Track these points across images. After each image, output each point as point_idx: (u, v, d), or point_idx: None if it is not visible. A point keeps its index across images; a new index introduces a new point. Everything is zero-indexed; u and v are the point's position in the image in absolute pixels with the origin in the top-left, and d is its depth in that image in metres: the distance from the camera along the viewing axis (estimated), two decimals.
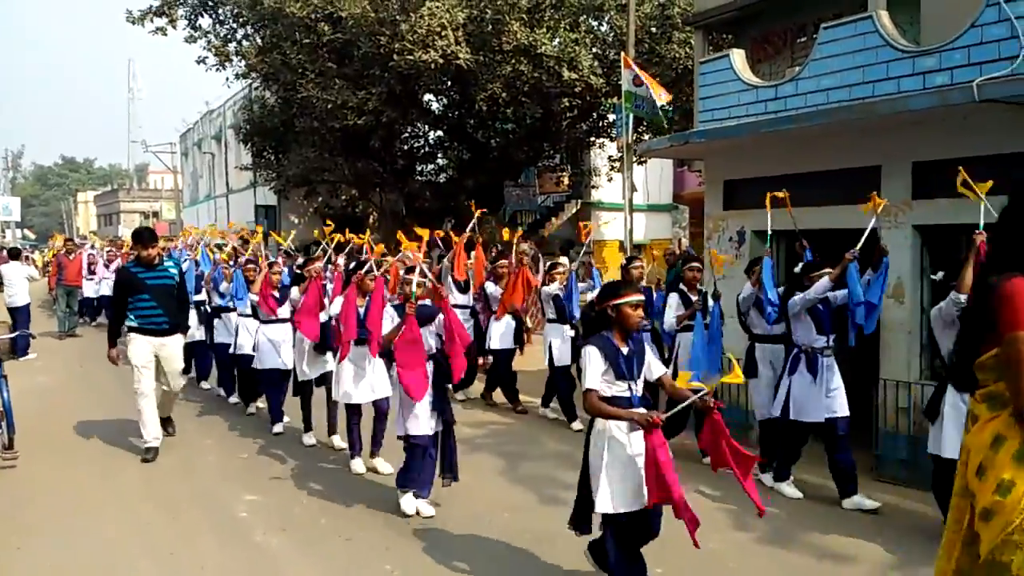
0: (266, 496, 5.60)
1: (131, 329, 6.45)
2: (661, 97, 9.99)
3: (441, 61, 13.19)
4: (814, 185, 6.99)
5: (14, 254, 13.38)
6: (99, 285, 15.50)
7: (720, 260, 6.62)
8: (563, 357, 7.73)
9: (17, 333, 8.66)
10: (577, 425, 7.39)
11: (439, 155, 19.20)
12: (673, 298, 6.81)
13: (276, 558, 4.51)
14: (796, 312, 5.57)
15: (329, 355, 6.83)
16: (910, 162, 6.22)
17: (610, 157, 18.35)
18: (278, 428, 7.31)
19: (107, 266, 15.46)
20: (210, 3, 17.31)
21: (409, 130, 18.11)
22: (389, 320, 5.25)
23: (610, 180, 18.88)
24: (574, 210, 21.92)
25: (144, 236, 6.53)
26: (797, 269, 5.98)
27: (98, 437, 7.26)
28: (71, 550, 4.63)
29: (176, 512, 5.27)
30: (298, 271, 7.36)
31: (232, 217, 29.61)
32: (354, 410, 6.11)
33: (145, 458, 6.44)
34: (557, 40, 13.84)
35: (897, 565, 4.45)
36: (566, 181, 20.54)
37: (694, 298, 6.69)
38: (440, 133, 18.59)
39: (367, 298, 5.72)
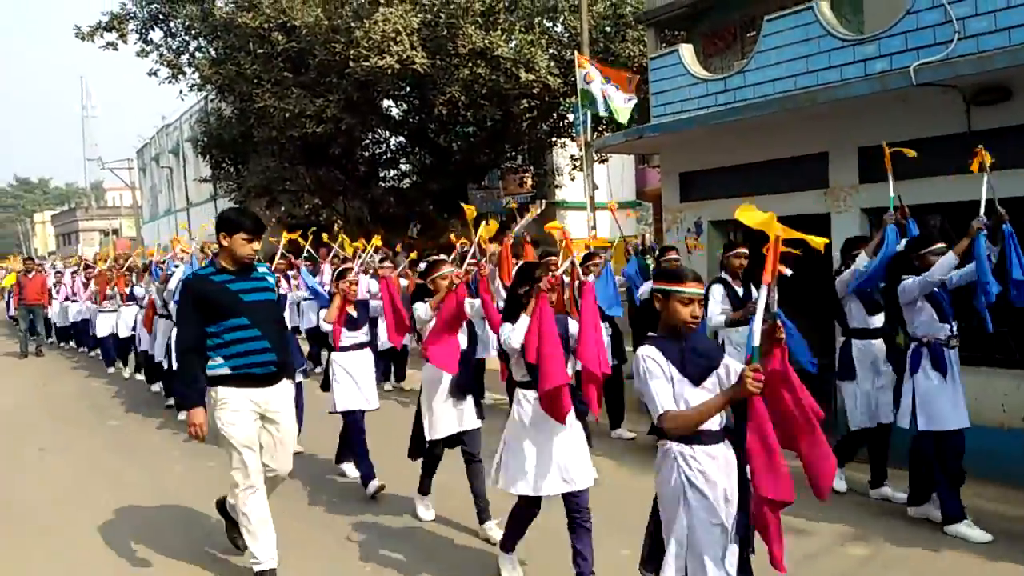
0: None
1: (216, 381, 3.99)
2: (631, 99, 10.12)
3: (398, 66, 13.21)
4: (766, 174, 7.16)
5: None
6: (68, 307, 14.57)
7: (692, 244, 6.79)
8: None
9: None
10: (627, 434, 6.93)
11: (401, 161, 19.20)
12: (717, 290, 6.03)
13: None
14: (913, 298, 4.64)
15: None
16: (856, 147, 6.40)
17: (572, 156, 18.50)
18: (373, 487, 5.44)
19: (84, 286, 13.35)
20: (160, 16, 17.13)
21: (370, 137, 18.09)
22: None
23: (573, 179, 19.03)
24: (539, 210, 22.02)
25: (242, 223, 3.97)
26: (902, 246, 5.00)
27: (63, 455, 7.14)
28: (42, 568, 4.56)
29: (148, 526, 5.21)
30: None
31: (194, 231, 29.25)
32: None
33: None
34: (513, 42, 13.96)
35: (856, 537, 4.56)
36: (529, 182, 20.64)
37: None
38: (401, 139, 18.59)
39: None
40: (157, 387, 9.59)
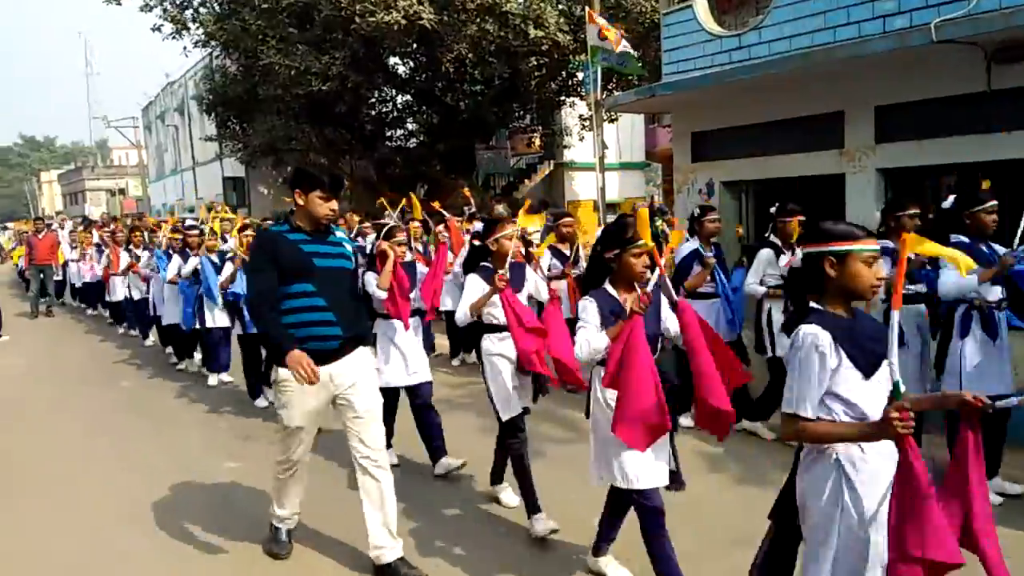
0: (246, 463, 5.62)
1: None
2: (623, 48, 9.85)
3: (404, 22, 12.98)
4: (780, 134, 7.06)
5: None
6: (80, 271, 13.89)
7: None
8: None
9: None
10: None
11: (408, 120, 18.99)
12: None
13: (261, 523, 4.56)
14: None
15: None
16: (873, 106, 6.29)
17: (581, 116, 18.27)
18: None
19: (99, 250, 12.74)
20: None
21: (376, 95, 17.87)
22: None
23: (582, 139, 18.82)
24: (547, 171, 21.87)
25: (319, 179, 3.62)
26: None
27: (75, 415, 7.22)
28: (53, 525, 4.65)
29: (159, 482, 5.28)
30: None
31: (200, 190, 29.17)
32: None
33: (275, 552, 4.08)
34: None
35: None
36: (538, 142, 20.45)
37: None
38: (408, 97, 18.36)
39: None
40: (169, 350, 9.60)
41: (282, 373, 3.59)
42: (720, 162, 7.73)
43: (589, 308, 3.31)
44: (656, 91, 7.71)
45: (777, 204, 5.45)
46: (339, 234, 3.78)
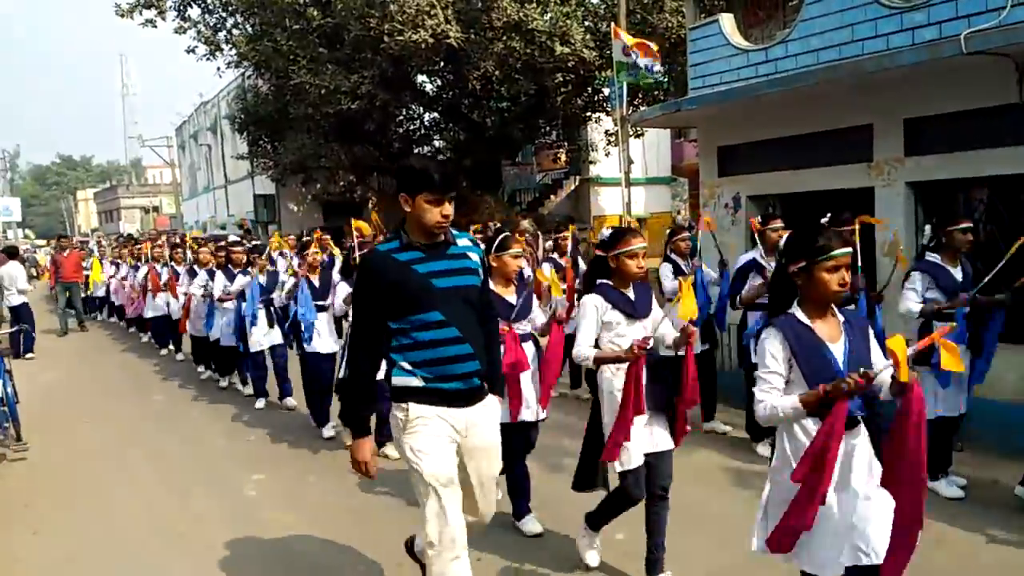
0: (272, 475, 5.68)
1: (405, 394, 2.94)
2: (653, 64, 9.87)
3: (432, 40, 13.15)
4: (807, 147, 7.00)
5: (11, 253, 13.37)
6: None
7: (707, 221, 6.30)
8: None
9: (17, 328, 8.36)
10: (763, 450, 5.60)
11: (435, 136, 19.20)
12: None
13: (285, 534, 4.59)
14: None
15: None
16: (902, 119, 6.21)
17: (607, 131, 18.31)
18: None
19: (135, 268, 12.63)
20: None
21: (403, 112, 18.10)
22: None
23: (607, 155, 18.85)
24: (573, 186, 21.91)
25: (426, 178, 2.84)
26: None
27: (106, 428, 7.35)
28: (84, 533, 4.72)
29: (186, 493, 5.35)
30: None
31: (231, 208, 29.67)
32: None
33: None
34: (548, 15, 13.79)
35: None
36: (564, 158, 20.52)
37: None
38: (435, 114, 18.57)
39: None
40: (204, 371, 9.53)
41: (412, 409, 2.89)
42: (747, 176, 7.69)
43: (776, 348, 2.58)
44: (682, 106, 7.69)
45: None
46: (463, 241, 3.00)
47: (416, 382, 2.90)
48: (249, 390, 8.21)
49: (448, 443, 2.94)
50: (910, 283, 4.67)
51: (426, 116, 19.03)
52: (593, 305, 3.56)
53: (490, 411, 3.08)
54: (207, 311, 8.63)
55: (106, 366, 10.90)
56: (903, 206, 6.25)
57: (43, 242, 43.62)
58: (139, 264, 12.47)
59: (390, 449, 5.84)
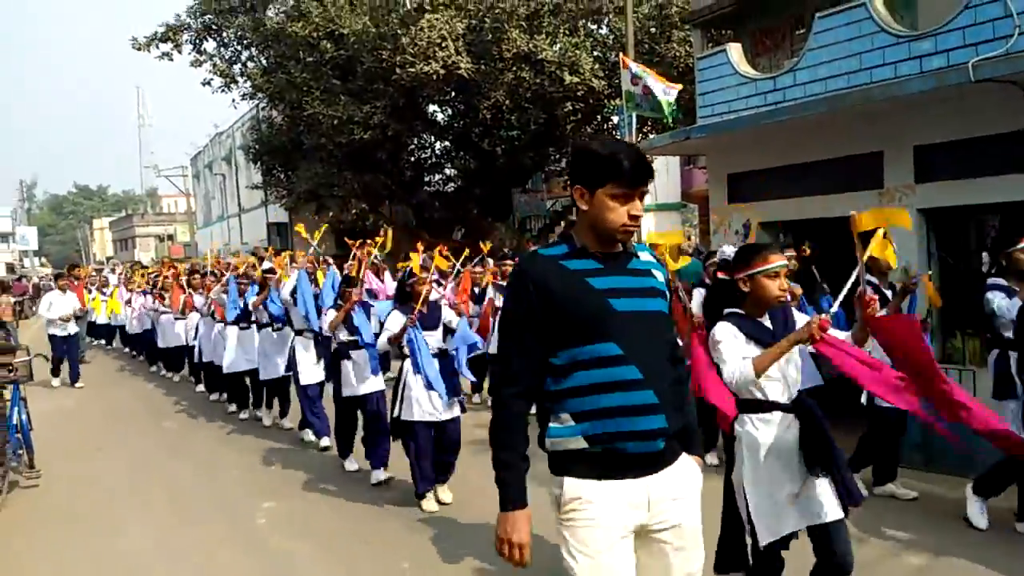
0: (283, 503, 5.66)
1: (561, 461, 2.22)
2: (670, 92, 9.90)
3: (443, 72, 13.33)
4: (817, 174, 7.01)
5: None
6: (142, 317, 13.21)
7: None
8: None
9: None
10: None
11: (446, 165, 19.36)
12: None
13: (294, 563, 4.57)
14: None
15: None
16: (911, 146, 6.22)
17: None
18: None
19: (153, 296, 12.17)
20: (214, 27, 17.60)
21: (415, 142, 18.28)
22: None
23: None
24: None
25: (614, 165, 2.12)
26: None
27: (117, 455, 7.37)
28: (94, 559, 4.72)
29: (196, 520, 5.35)
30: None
31: (245, 236, 29.94)
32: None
33: None
34: (557, 45, 13.96)
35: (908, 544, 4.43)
36: None
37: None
38: (446, 143, 18.75)
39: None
40: (215, 396, 9.60)
41: (568, 489, 2.17)
42: (756, 203, 7.70)
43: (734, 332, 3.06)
44: (691, 134, 7.74)
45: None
46: (644, 255, 2.27)
47: (578, 443, 2.12)
48: (288, 423, 7.85)
49: (621, 539, 2.13)
50: (993, 300, 4.54)
51: (437, 145, 19.22)
52: (732, 334, 2.96)
53: (686, 480, 2.23)
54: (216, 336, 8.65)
55: (117, 394, 10.95)
56: (915, 233, 6.24)
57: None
58: (148, 290, 12.53)
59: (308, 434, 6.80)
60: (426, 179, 19.50)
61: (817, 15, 6.96)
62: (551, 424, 2.18)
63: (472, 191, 17.71)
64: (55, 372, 11.50)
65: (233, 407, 8.85)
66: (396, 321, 5.26)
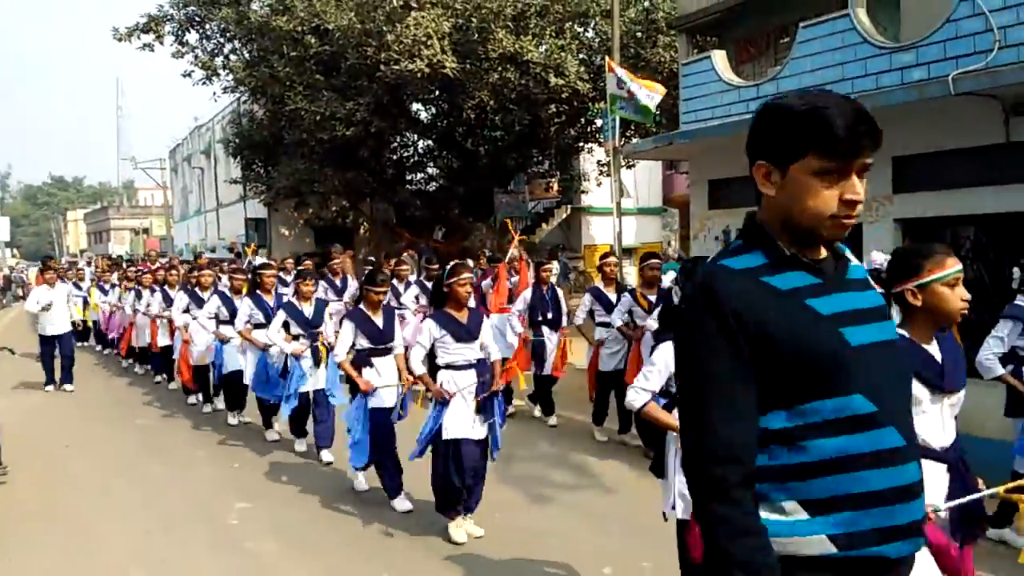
0: (257, 503, 5.60)
1: (791, 568, 1.42)
2: (653, 97, 9.93)
3: (428, 70, 13.27)
4: None
5: None
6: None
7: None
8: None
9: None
10: None
11: (429, 164, 19.30)
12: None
13: (267, 564, 4.52)
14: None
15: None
16: (890, 156, 6.30)
17: (599, 162, 18.47)
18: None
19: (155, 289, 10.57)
20: (196, 19, 17.38)
21: (398, 140, 18.20)
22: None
23: (599, 185, 19.00)
24: (564, 215, 22.04)
25: (825, 129, 1.41)
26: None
27: (89, 453, 7.24)
28: (63, 559, 4.63)
29: (169, 521, 5.26)
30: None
31: (222, 231, 29.63)
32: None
33: None
34: (543, 47, 13.96)
35: None
36: (556, 187, 20.66)
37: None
38: (429, 142, 18.69)
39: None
40: (234, 419, 8.20)
41: None
42: (737, 209, 7.76)
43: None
44: (674, 139, 7.78)
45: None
46: (852, 258, 1.63)
47: (823, 546, 1.44)
48: (272, 435, 7.36)
49: None
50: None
51: (420, 143, 19.15)
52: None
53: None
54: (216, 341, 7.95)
55: (90, 391, 10.77)
56: (891, 243, 6.31)
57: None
58: (139, 289, 11.17)
59: (327, 455, 6.38)
60: (408, 177, 19.42)
61: (801, 24, 7.02)
62: (764, 514, 1.46)
63: (454, 190, 17.66)
64: (50, 378, 10.52)
65: (234, 418, 8.05)
66: (425, 337, 4.78)
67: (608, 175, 16.26)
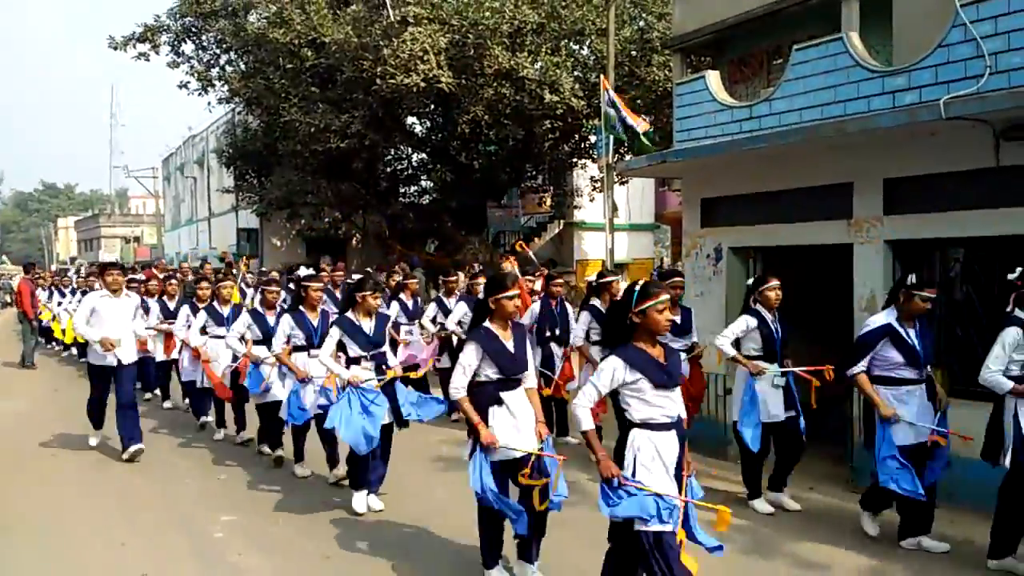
0: (243, 516, 5.54)
1: None
2: (640, 125, 10.07)
3: (423, 85, 13.33)
4: (788, 202, 7.11)
5: None
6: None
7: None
8: None
9: None
10: None
11: (422, 177, 19.35)
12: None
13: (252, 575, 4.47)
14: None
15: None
16: (881, 179, 6.34)
17: (592, 178, 18.56)
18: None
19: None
20: (193, 29, 17.44)
21: (392, 152, 18.26)
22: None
23: (592, 200, 19.09)
24: (557, 230, 22.10)
25: None
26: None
27: (72, 462, 7.16)
28: (44, 572, 4.56)
29: (152, 533, 5.20)
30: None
31: (214, 240, 29.54)
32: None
33: None
34: (539, 64, 14.05)
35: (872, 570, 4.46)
36: (548, 202, 20.72)
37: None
38: (423, 155, 18.75)
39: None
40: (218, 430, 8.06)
41: None
42: (729, 228, 7.78)
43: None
44: (667, 158, 7.81)
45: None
46: None
47: None
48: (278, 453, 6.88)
49: None
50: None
51: (414, 156, 19.20)
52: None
53: None
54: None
55: (72, 398, 10.62)
56: (881, 264, 6.34)
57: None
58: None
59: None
60: (401, 190, 19.45)
61: (795, 47, 7.08)
62: None
63: (447, 204, 17.70)
64: (97, 423, 7.61)
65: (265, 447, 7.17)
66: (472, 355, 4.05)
67: (601, 191, 16.34)
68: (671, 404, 3.44)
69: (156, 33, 17.21)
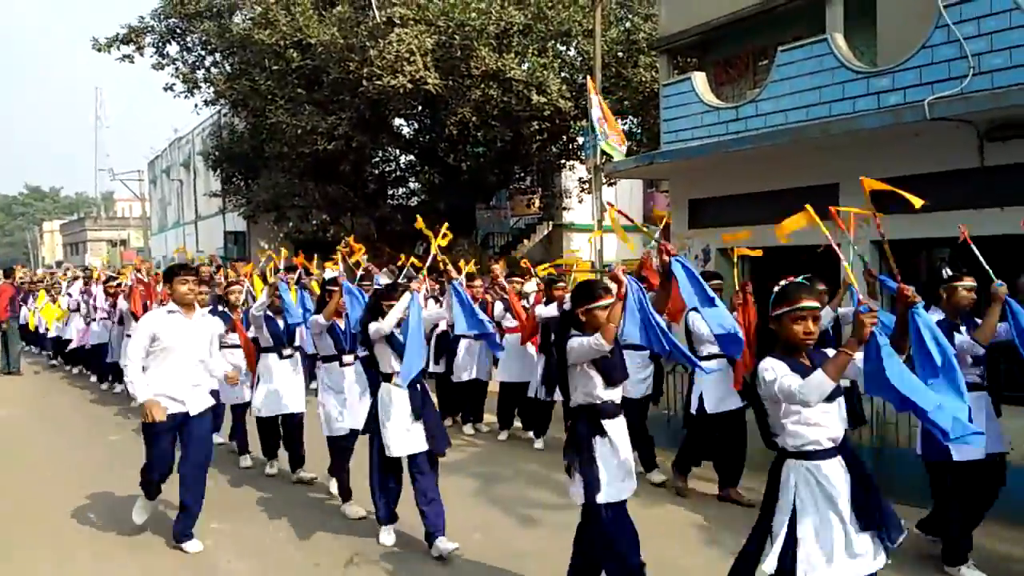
0: (232, 525, 5.50)
1: None
2: (615, 143, 10.10)
3: (410, 86, 13.30)
4: (775, 202, 7.14)
5: None
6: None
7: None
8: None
9: None
10: None
11: (410, 179, 19.31)
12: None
13: None
14: None
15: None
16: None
17: (580, 179, 18.57)
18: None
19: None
20: (178, 31, 17.32)
21: (380, 154, 18.20)
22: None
23: (580, 202, 19.10)
24: (546, 231, 22.11)
25: None
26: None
27: (57, 469, 7.08)
28: None
29: (140, 542, 5.15)
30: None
31: (201, 243, 29.38)
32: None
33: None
34: (526, 65, 14.05)
35: None
36: (537, 203, 20.74)
37: None
38: (411, 157, 18.71)
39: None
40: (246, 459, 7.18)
41: None
42: (716, 228, 7.82)
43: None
44: (655, 159, 7.85)
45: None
46: None
47: None
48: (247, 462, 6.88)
49: None
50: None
51: (402, 158, 19.16)
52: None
53: None
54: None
55: (58, 404, 10.56)
56: (868, 264, 6.38)
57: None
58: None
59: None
60: (389, 192, 19.40)
61: (780, 48, 7.13)
62: None
63: (435, 206, 17.66)
64: (151, 491, 5.22)
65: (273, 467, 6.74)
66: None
67: (589, 192, 16.37)
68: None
69: (140, 34, 17.08)
